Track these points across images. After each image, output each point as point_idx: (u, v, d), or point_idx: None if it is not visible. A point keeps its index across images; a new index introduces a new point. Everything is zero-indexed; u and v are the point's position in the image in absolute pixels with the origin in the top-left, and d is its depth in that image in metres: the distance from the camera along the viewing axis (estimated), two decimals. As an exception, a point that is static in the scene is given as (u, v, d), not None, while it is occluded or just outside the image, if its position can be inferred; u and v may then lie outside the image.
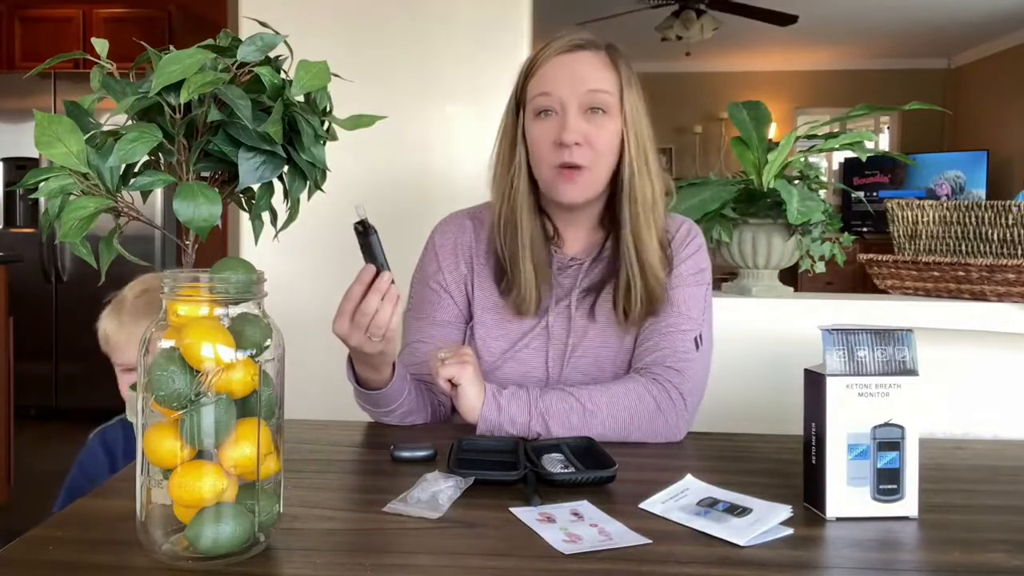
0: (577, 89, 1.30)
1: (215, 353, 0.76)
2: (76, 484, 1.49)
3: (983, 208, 2.04)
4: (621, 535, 0.87)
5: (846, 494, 0.93)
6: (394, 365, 1.27)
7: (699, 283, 1.39)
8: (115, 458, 1.53)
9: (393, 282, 1.15)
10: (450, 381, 1.22)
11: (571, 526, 0.89)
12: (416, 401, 1.34)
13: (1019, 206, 1.97)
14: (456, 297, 1.41)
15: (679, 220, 1.45)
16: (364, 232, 1.13)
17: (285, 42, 0.84)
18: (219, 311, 0.79)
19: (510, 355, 1.37)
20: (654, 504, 0.96)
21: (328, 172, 0.89)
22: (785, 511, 0.91)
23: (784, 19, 5.83)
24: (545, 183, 1.34)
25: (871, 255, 2.17)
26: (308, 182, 0.87)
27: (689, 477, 1.04)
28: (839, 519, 0.93)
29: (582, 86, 1.30)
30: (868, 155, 2.02)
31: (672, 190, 1.43)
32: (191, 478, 0.77)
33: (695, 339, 1.34)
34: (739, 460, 1.18)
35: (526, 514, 0.93)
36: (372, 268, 1.14)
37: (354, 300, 1.15)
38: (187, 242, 0.84)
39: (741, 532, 0.87)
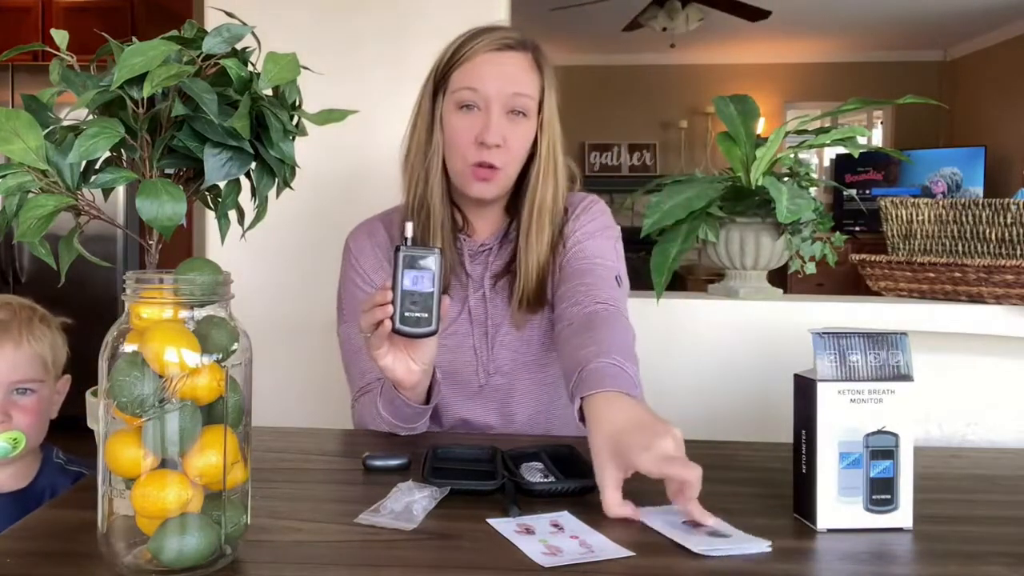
0: (504, 90, 1.34)
1: (180, 357, 0.75)
2: None
3: (980, 206, 2.02)
4: (603, 547, 0.86)
5: (837, 505, 0.92)
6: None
7: (608, 237, 1.43)
8: None
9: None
10: None
11: (551, 538, 0.88)
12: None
13: (1018, 204, 1.95)
14: None
15: (580, 196, 1.49)
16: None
17: (252, 33, 0.83)
18: (184, 314, 0.78)
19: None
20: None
21: (297, 169, 0.88)
22: (762, 545, 0.86)
23: (755, 14, 5.70)
24: (457, 176, 1.38)
25: (864, 255, 2.16)
26: (276, 179, 0.87)
27: None
28: (830, 531, 0.91)
29: (509, 88, 1.34)
30: (861, 151, 2.00)
31: (576, 176, 1.49)
32: (155, 488, 0.76)
33: (616, 277, 1.37)
34: (726, 469, 1.17)
35: (504, 525, 0.91)
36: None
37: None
38: (151, 242, 0.83)
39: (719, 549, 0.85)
